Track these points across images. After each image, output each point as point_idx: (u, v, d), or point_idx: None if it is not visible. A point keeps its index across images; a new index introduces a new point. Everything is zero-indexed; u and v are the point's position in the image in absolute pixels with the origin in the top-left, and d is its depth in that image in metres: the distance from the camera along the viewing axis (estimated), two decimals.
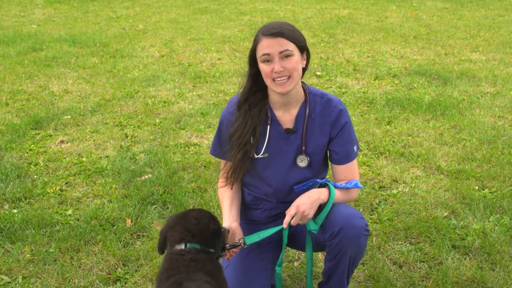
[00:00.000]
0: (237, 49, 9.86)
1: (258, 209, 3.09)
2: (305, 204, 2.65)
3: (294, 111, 2.89)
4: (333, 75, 8.04)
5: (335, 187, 2.79)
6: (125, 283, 3.46)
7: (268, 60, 2.68)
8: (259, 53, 2.70)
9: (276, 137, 2.89)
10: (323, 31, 11.36)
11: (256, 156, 2.89)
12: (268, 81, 2.74)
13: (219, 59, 9.14)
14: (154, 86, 7.55)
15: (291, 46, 2.67)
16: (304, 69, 2.81)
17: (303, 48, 2.75)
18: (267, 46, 2.66)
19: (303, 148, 2.89)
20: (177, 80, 7.87)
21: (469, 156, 5.19)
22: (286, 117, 2.90)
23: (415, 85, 7.52)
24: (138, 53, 9.51)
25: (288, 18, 12.79)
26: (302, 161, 2.90)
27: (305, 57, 2.80)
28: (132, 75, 8.10)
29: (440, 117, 6.24)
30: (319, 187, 2.81)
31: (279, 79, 2.69)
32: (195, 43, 10.38)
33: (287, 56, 2.67)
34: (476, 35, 10.92)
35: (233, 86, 7.53)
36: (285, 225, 2.67)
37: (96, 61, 8.90)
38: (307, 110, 2.87)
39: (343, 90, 7.30)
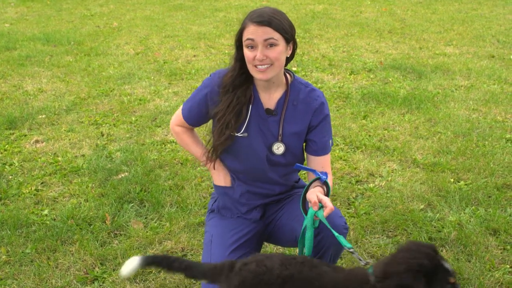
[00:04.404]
0: (212, 45, 9.83)
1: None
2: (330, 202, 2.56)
3: (276, 95, 2.88)
4: (309, 70, 8.05)
5: None
6: (103, 283, 3.44)
7: (251, 46, 2.67)
8: (244, 38, 2.69)
9: (256, 117, 2.87)
10: (298, 26, 11.37)
11: (236, 134, 2.87)
12: (249, 67, 2.73)
13: (194, 56, 9.11)
14: (129, 84, 7.51)
15: (277, 36, 2.66)
16: (289, 59, 2.82)
17: (289, 39, 2.74)
18: (252, 32, 2.65)
19: (280, 135, 2.88)
20: (152, 77, 7.83)
21: (444, 149, 5.24)
22: (268, 99, 2.88)
23: (390, 79, 7.57)
24: (113, 51, 9.44)
25: None
26: (279, 148, 2.88)
27: (291, 46, 2.79)
28: (107, 73, 8.04)
29: (415, 110, 6.29)
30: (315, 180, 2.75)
31: (260, 66, 2.68)
32: (170, 40, 10.33)
33: (271, 45, 2.66)
34: (450, 29, 11.02)
35: None
36: (315, 207, 2.54)
37: (71, 60, 8.82)
38: (288, 96, 2.87)
39: (319, 85, 7.32)
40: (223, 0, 15.16)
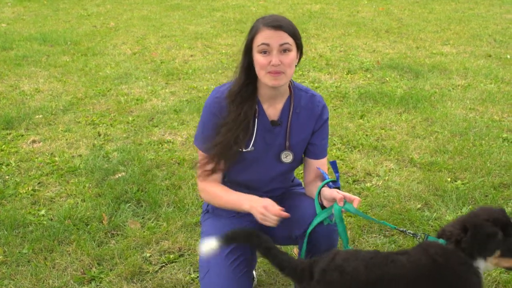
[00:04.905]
0: (209, 45, 9.83)
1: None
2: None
3: (280, 105, 2.87)
4: (306, 70, 8.06)
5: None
6: (100, 283, 3.44)
7: (265, 51, 2.64)
8: (257, 43, 2.65)
9: (261, 130, 2.85)
10: (295, 26, 11.36)
11: (244, 150, 2.84)
12: (261, 73, 2.68)
13: (191, 55, 9.11)
14: (126, 84, 7.50)
15: (291, 41, 2.65)
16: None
17: (300, 46, 2.74)
18: (267, 36, 2.62)
19: (287, 143, 2.88)
20: (149, 77, 7.82)
21: (441, 148, 5.25)
22: (272, 110, 2.86)
23: (387, 78, 7.57)
24: (110, 51, 9.43)
25: (260, 14, 12.76)
26: (287, 157, 2.88)
27: (298, 55, 2.77)
28: (104, 73, 8.04)
29: (412, 110, 6.30)
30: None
31: (274, 73, 2.66)
32: (167, 40, 10.33)
33: (286, 50, 2.64)
34: (447, 29, 11.03)
35: (206, 82, 7.51)
36: (341, 203, 2.60)
37: (68, 60, 8.81)
38: (292, 104, 2.87)
39: (316, 85, 7.33)
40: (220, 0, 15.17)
